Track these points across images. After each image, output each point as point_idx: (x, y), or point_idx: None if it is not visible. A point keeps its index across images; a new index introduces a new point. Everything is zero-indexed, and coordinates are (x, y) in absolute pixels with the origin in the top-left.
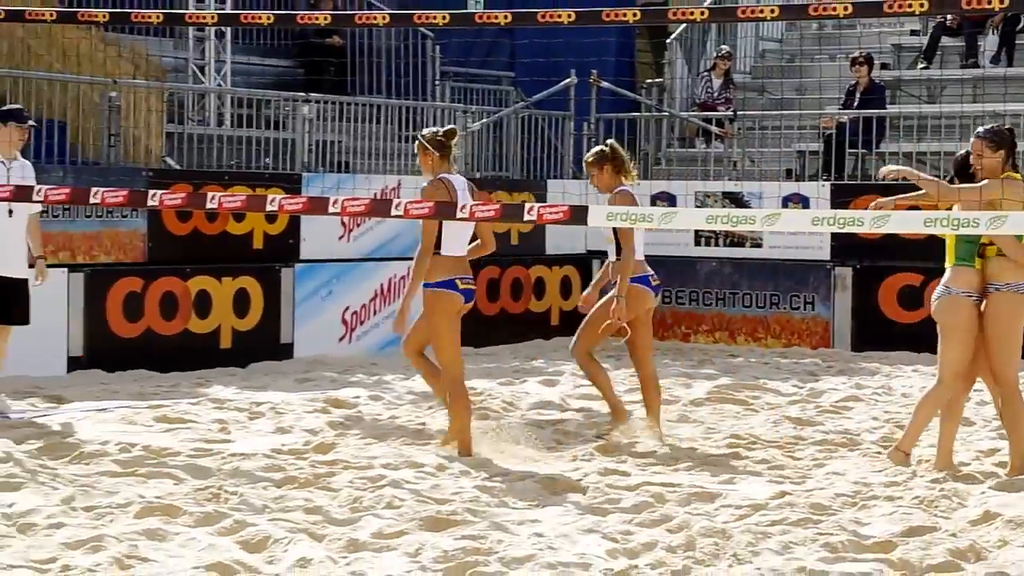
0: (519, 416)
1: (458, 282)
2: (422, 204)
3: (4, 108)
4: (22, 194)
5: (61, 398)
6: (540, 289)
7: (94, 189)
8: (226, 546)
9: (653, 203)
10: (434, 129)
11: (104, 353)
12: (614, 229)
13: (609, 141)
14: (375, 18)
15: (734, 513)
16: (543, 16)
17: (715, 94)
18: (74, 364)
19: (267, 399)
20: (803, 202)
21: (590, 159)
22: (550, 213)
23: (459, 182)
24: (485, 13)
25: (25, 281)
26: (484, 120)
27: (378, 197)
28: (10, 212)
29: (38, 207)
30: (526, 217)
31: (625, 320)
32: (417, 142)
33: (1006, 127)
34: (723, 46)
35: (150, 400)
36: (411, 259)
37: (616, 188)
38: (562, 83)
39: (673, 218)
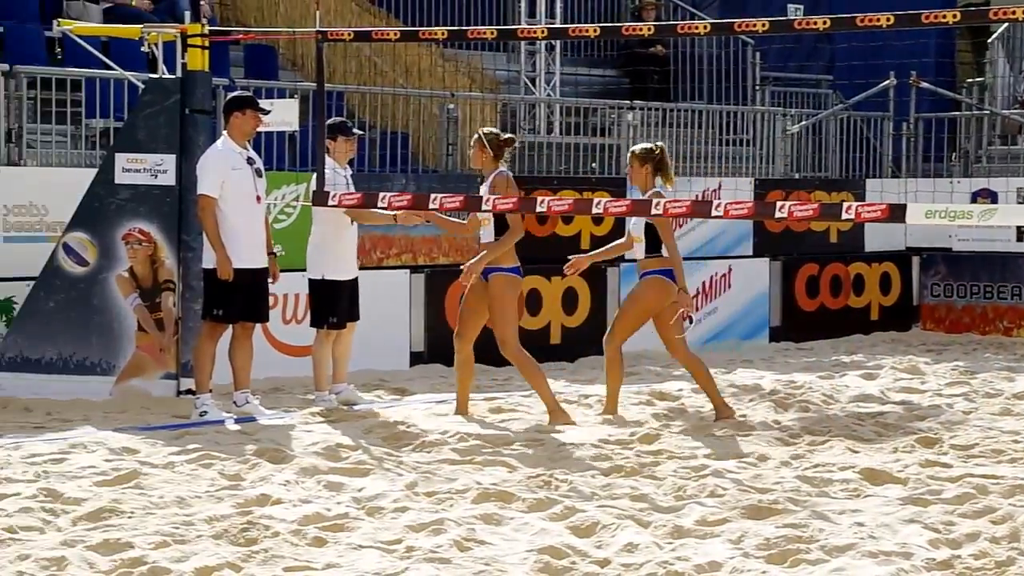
0: (839, 409)
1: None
2: (741, 205)
3: (332, 122)
4: (370, 200)
5: (404, 390)
6: (859, 285)
7: (433, 195)
8: (557, 531)
9: (974, 200)
10: (496, 131)
11: (443, 348)
12: (648, 227)
13: (660, 144)
14: (696, 27)
15: None
16: (862, 20)
17: None
18: (416, 359)
19: (594, 392)
20: None
21: (638, 151)
22: (868, 212)
23: None
24: (804, 19)
25: (357, 281)
26: (803, 122)
27: (699, 199)
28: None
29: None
30: (844, 216)
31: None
32: (476, 138)
33: None
34: None
35: (485, 392)
36: (732, 257)
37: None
38: (881, 85)
39: (993, 215)
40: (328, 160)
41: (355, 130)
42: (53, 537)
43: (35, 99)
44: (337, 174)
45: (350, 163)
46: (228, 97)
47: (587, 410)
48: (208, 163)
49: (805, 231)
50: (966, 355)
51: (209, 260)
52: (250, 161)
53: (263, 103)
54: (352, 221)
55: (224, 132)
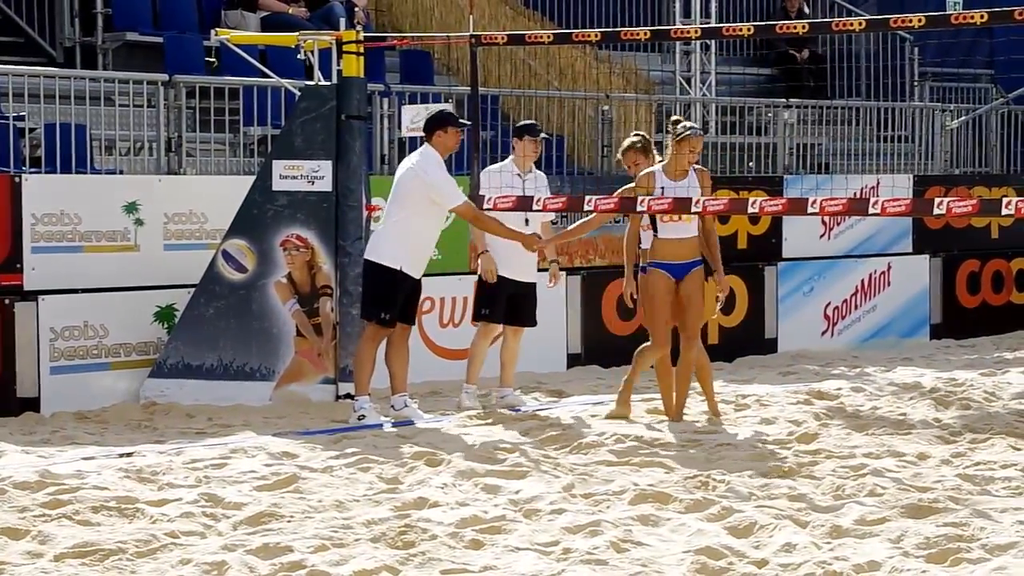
0: (1001, 406)
1: None
2: (899, 202)
3: (520, 124)
4: (523, 203)
5: (562, 392)
6: (1022, 281)
7: (588, 197)
8: (714, 531)
9: None
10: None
11: (600, 350)
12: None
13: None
14: (852, 24)
15: None
16: (1020, 13)
17: None
18: (573, 361)
19: (752, 391)
20: None
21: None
22: None
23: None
24: (962, 13)
25: (535, 285)
26: (963, 117)
27: (856, 196)
28: (527, 221)
29: (551, 215)
30: (1004, 211)
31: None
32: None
33: None
34: None
35: (642, 394)
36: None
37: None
38: None
39: None
40: (508, 160)
41: (542, 133)
42: (214, 541)
43: (194, 108)
44: (509, 174)
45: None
46: (431, 116)
47: (744, 411)
48: (443, 174)
49: (966, 227)
50: None
51: (384, 258)
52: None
53: (425, 109)
54: (527, 222)
55: (427, 145)
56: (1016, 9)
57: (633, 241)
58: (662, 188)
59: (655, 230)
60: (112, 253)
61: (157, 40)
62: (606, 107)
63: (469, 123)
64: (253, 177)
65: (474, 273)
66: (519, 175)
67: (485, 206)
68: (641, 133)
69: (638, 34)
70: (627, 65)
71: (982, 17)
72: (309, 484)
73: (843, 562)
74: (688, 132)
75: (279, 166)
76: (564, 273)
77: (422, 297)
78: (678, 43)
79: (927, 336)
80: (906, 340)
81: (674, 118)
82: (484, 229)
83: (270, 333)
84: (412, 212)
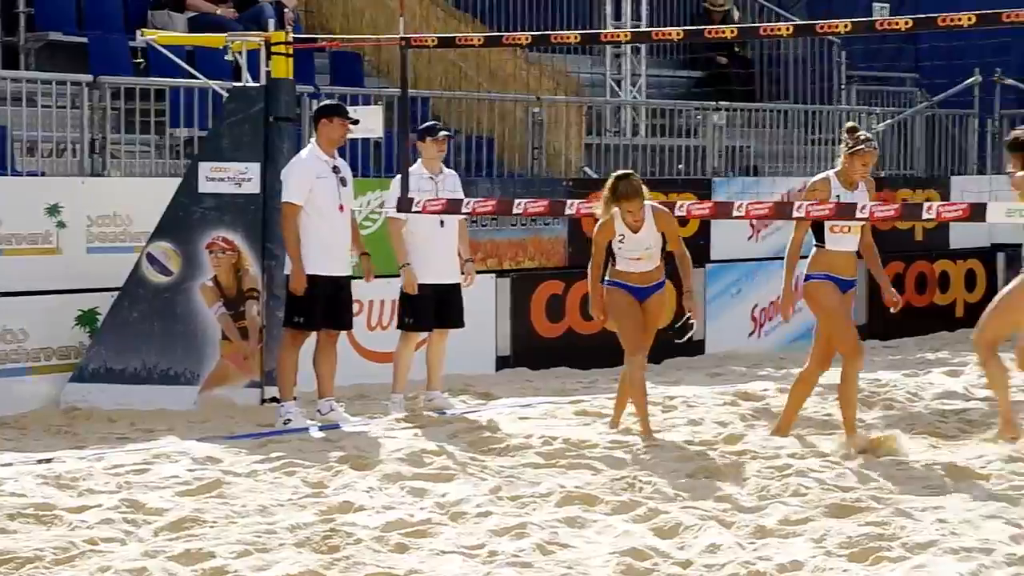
0: (923, 406)
1: None
2: (823, 206)
3: (421, 127)
4: (453, 206)
5: (490, 395)
6: (944, 283)
7: (517, 200)
8: (640, 533)
9: None
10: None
11: (529, 352)
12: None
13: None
14: (780, 29)
15: None
16: (944, 20)
17: None
18: (502, 363)
19: (680, 393)
20: None
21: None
22: (949, 211)
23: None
24: (886, 20)
25: (458, 286)
26: (889, 121)
27: (783, 199)
28: (441, 223)
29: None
30: (925, 216)
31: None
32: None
33: None
34: None
35: (570, 396)
36: None
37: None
38: (966, 82)
39: None
40: (417, 163)
41: (442, 131)
42: (134, 548)
43: (119, 109)
44: (420, 178)
45: (455, 168)
46: (318, 105)
47: (671, 412)
48: (294, 171)
49: (890, 229)
50: None
51: (286, 265)
52: (335, 170)
53: (352, 111)
54: (442, 223)
55: (311, 140)
56: (939, 16)
57: (797, 250)
58: (837, 196)
59: (822, 241)
60: (33, 256)
61: (81, 40)
62: (536, 109)
63: (357, 119)
64: (179, 179)
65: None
66: (431, 177)
67: (414, 209)
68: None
69: (568, 37)
70: (558, 68)
71: (907, 23)
72: (233, 489)
73: (767, 562)
74: (859, 147)
75: (206, 168)
76: (494, 275)
77: None
78: (608, 46)
79: None
80: None
81: (850, 125)
82: (284, 231)
83: (195, 336)
84: (307, 213)
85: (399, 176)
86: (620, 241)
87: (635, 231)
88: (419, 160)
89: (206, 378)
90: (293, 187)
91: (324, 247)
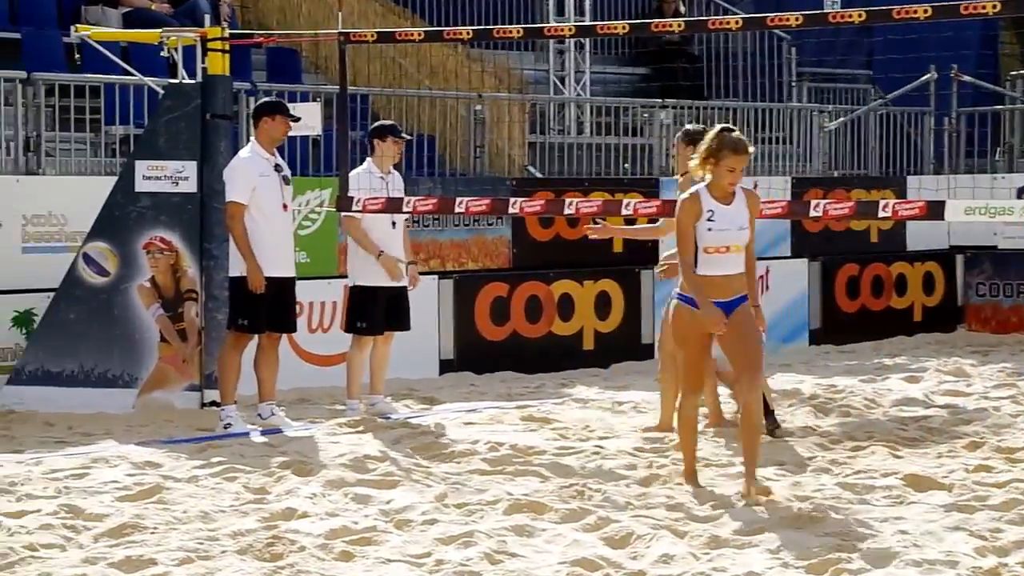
0: (881, 413)
1: None
2: (775, 204)
3: (381, 124)
4: (393, 205)
5: (434, 399)
6: (902, 286)
7: (459, 199)
8: (591, 542)
9: (1019, 196)
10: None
11: (473, 356)
12: None
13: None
14: (728, 23)
15: None
16: (899, 12)
17: None
18: (446, 367)
19: (629, 398)
20: None
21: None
22: (906, 209)
23: None
24: (839, 12)
25: (405, 289)
26: (842, 119)
27: None
28: (393, 224)
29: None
30: (881, 214)
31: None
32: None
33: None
34: None
35: (517, 400)
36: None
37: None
38: (921, 79)
39: None
40: (368, 162)
41: (404, 134)
42: (74, 554)
43: (53, 106)
44: (373, 176)
45: (396, 167)
46: (258, 102)
47: (620, 418)
48: (237, 170)
49: (845, 230)
50: (1013, 356)
51: (235, 268)
52: (277, 168)
53: (292, 108)
54: (393, 225)
55: (252, 138)
56: (895, 8)
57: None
58: (711, 211)
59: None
60: None
61: (14, 36)
62: (479, 107)
63: (299, 116)
64: (115, 178)
65: (343, 277)
66: (381, 177)
67: (354, 208)
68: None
69: (511, 32)
70: (500, 64)
71: (860, 16)
72: (173, 494)
73: (722, 573)
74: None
75: (142, 166)
76: (436, 277)
77: None
78: (552, 41)
79: (806, 341)
80: (785, 346)
81: (688, 127)
82: (231, 232)
83: (133, 339)
84: (249, 211)
85: (353, 173)
86: (710, 218)
87: (728, 203)
88: (368, 159)
89: (144, 381)
90: (238, 186)
91: (268, 247)
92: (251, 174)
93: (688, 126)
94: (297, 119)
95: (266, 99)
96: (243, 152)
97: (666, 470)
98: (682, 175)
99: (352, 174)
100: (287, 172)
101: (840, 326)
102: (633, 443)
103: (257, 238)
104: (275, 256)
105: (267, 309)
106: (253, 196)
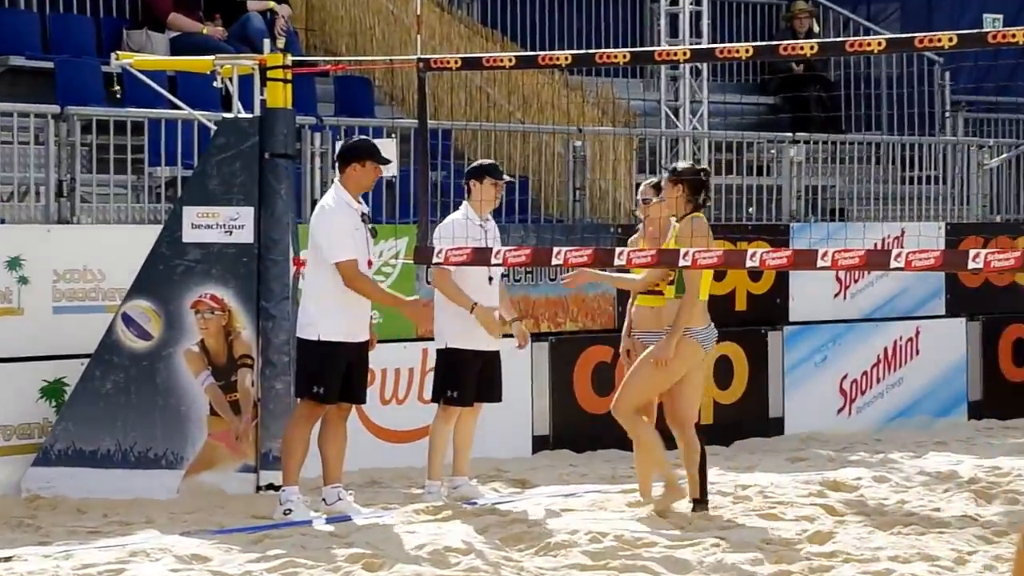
0: None
1: None
2: (927, 254)
3: (479, 164)
4: (480, 256)
5: (526, 482)
6: None
7: (556, 249)
8: None
9: None
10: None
11: (572, 431)
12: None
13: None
14: (869, 44)
15: None
16: None
17: None
18: (540, 444)
19: (755, 481)
20: None
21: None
22: None
23: None
24: (1001, 32)
25: (498, 354)
26: (1005, 155)
27: (877, 248)
28: (490, 279)
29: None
30: None
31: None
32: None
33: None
34: None
35: (622, 484)
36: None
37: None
38: None
39: None
40: (464, 206)
41: (505, 176)
42: None
43: (90, 145)
44: (471, 224)
45: (495, 214)
46: (345, 144)
47: (745, 504)
48: (335, 224)
49: (1009, 284)
50: None
51: (309, 330)
52: (364, 218)
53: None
54: (490, 280)
55: (336, 182)
56: None
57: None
58: None
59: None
60: None
61: (47, 66)
62: (578, 143)
63: (390, 160)
64: (160, 227)
65: (423, 340)
66: (480, 224)
67: (435, 259)
68: None
69: (616, 57)
70: (603, 93)
71: None
72: None
73: None
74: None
75: (191, 213)
76: (530, 339)
77: None
78: (663, 67)
79: (964, 415)
80: (939, 420)
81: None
82: (359, 291)
83: (178, 412)
84: (328, 266)
85: (448, 220)
86: None
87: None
88: (465, 204)
89: (191, 461)
90: (343, 241)
91: (350, 310)
92: (349, 226)
93: (677, 164)
94: (388, 162)
95: (355, 140)
96: (328, 201)
97: (798, 566)
98: (679, 219)
99: (446, 221)
100: (372, 224)
101: (1004, 397)
102: (759, 534)
103: (339, 300)
104: (357, 320)
105: (341, 377)
106: None
